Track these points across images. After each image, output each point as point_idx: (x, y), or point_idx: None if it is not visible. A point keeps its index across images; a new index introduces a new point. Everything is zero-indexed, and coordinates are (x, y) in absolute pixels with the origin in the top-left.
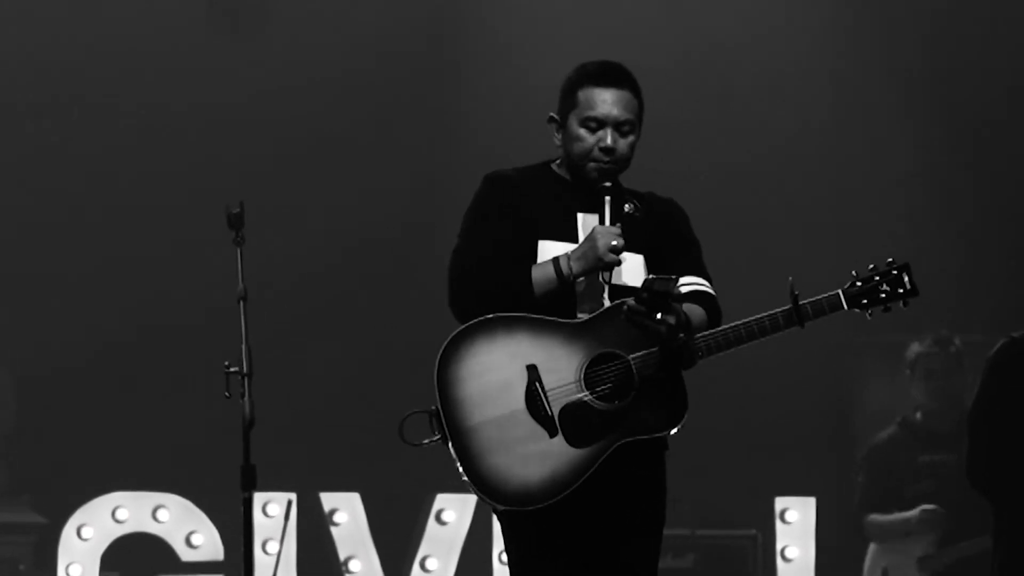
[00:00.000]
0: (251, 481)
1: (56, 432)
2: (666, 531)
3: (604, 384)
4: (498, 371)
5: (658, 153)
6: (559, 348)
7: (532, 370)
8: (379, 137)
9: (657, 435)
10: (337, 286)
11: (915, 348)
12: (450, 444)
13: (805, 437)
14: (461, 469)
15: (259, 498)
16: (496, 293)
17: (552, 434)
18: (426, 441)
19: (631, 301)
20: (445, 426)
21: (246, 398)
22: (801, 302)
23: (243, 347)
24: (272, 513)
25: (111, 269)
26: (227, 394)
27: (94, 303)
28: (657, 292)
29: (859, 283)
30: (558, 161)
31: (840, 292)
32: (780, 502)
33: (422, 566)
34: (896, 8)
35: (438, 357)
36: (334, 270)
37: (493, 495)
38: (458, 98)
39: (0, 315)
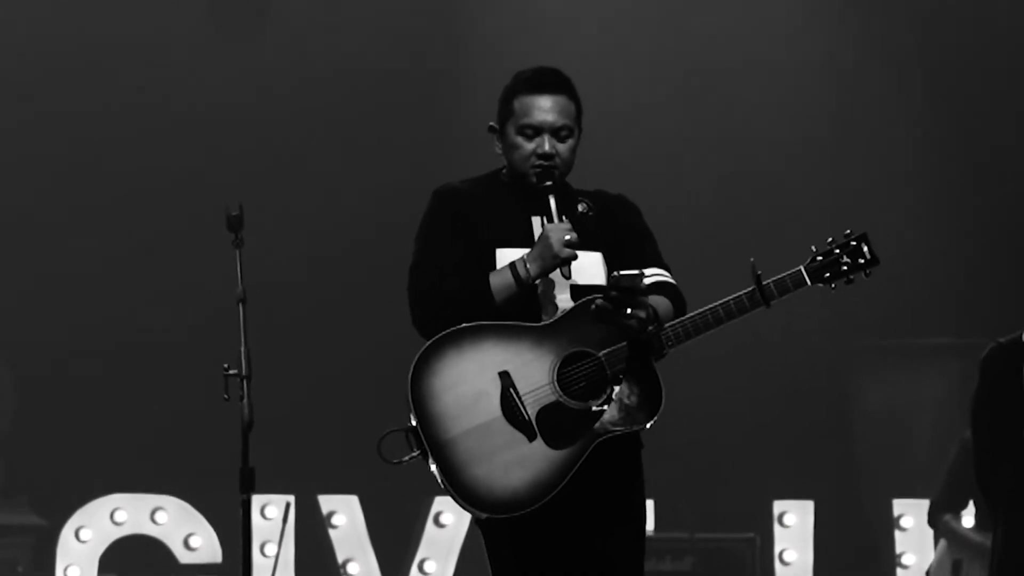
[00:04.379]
0: (250, 483)
1: (55, 434)
2: (665, 534)
3: (577, 383)
4: (470, 381)
5: (655, 152)
6: (529, 352)
7: (504, 376)
8: (378, 140)
9: (636, 428)
10: (336, 289)
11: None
12: (431, 459)
13: (803, 441)
14: (445, 483)
15: (257, 500)
16: (458, 306)
17: (531, 438)
18: (406, 458)
19: (599, 300)
20: (424, 442)
21: (245, 400)
22: (764, 281)
23: (242, 349)
24: (270, 515)
25: (110, 270)
26: (226, 396)
27: (93, 305)
28: (624, 288)
29: (820, 257)
30: (504, 169)
31: (802, 268)
32: (778, 505)
33: (420, 569)
34: (897, 7)
35: (409, 374)
36: (333, 273)
37: (479, 505)
38: (457, 100)
39: (0, 317)
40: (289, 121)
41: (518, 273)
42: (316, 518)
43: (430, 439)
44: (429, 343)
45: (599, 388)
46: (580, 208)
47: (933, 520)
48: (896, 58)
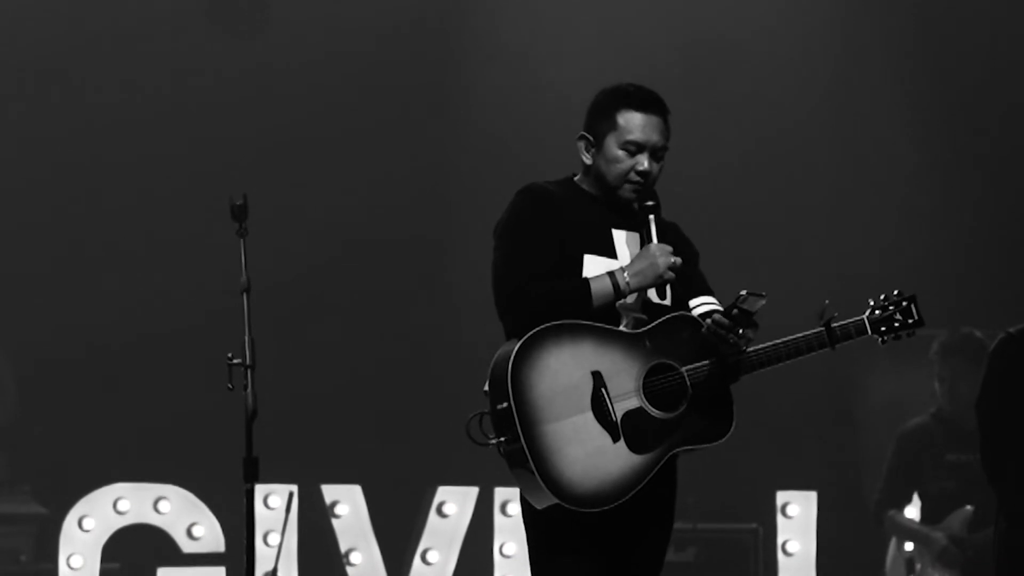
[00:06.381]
0: (253, 473)
1: (58, 423)
2: None
3: (660, 394)
4: (566, 375)
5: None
6: (620, 357)
7: (597, 376)
8: (382, 129)
9: (707, 445)
10: (340, 278)
11: (931, 350)
12: (523, 444)
13: (806, 432)
14: (532, 467)
15: (260, 490)
16: (555, 305)
17: (615, 439)
18: (492, 441)
19: (717, 316)
20: (519, 426)
21: (248, 390)
22: (833, 325)
23: (246, 339)
24: (273, 505)
25: (114, 259)
26: (230, 386)
27: (97, 293)
28: (745, 311)
29: (877, 311)
30: (578, 176)
31: (865, 318)
32: (781, 496)
33: (423, 559)
34: (896, 5)
35: (511, 361)
36: (337, 262)
37: (561, 494)
38: (462, 90)
39: (1, 305)
40: (293, 111)
41: (617, 284)
42: (319, 508)
43: (523, 424)
44: (530, 335)
45: (678, 401)
46: None
47: (878, 517)
48: (895, 50)
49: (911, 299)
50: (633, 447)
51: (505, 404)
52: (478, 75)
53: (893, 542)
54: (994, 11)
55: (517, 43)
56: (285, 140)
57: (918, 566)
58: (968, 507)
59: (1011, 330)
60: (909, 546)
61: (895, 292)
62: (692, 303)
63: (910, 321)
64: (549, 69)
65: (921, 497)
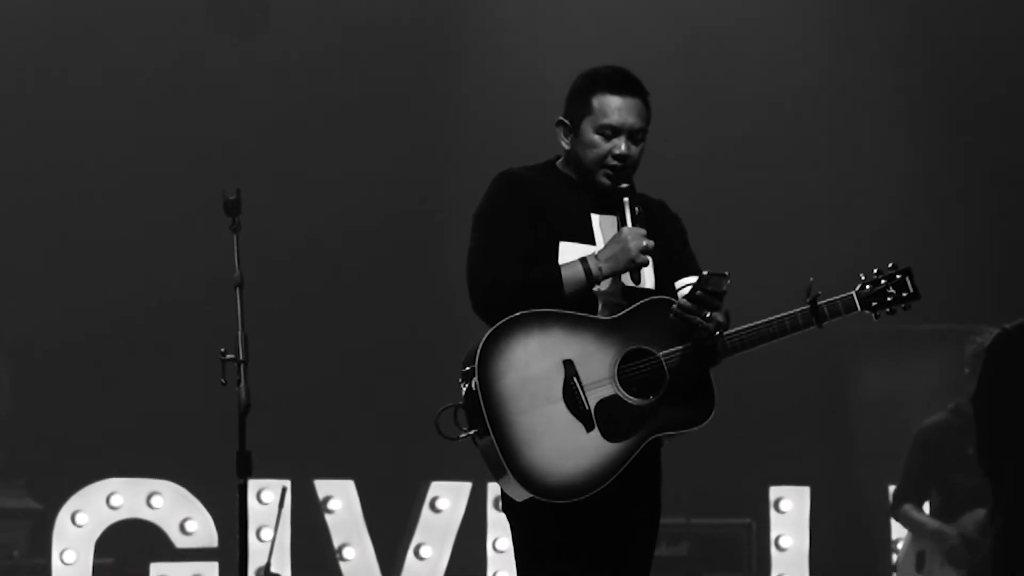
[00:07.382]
0: (246, 468)
1: (51, 418)
2: (661, 519)
3: (635, 380)
4: (535, 365)
5: (656, 147)
6: (593, 344)
7: (568, 365)
8: (379, 124)
9: (687, 431)
10: (334, 273)
11: (970, 347)
12: (492, 437)
13: (800, 427)
14: (502, 461)
15: (254, 485)
16: (526, 295)
17: (589, 428)
18: (462, 435)
19: (682, 299)
20: (487, 419)
21: (242, 385)
22: (819, 303)
23: (239, 334)
24: (267, 500)
25: (108, 255)
26: (223, 381)
27: (90, 290)
28: (710, 291)
29: (868, 286)
30: (561, 160)
31: (853, 294)
32: (775, 491)
33: (416, 554)
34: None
35: (478, 352)
36: (331, 258)
37: (532, 487)
38: (458, 86)
39: None
40: (288, 106)
41: (589, 269)
42: (312, 503)
43: (492, 417)
44: (498, 325)
45: (655, 387)
46: (636, 211)
47: (895, 512)
48: (893, 46)
49: (906, 271)
50: (608, 436)
51: (474, 396)
52: (476, 72)
53: (906, 537)
54: (991, 2)
55: (515, 38)
56: (281, 134)
57: (927, 562)
58: (981, 510)
59: (1007, 326)
60: (921, 543)
61: (889, 265)
62: (678, 284)
63: (904, 295)
64: (548, 62)
65: (940, 491)
